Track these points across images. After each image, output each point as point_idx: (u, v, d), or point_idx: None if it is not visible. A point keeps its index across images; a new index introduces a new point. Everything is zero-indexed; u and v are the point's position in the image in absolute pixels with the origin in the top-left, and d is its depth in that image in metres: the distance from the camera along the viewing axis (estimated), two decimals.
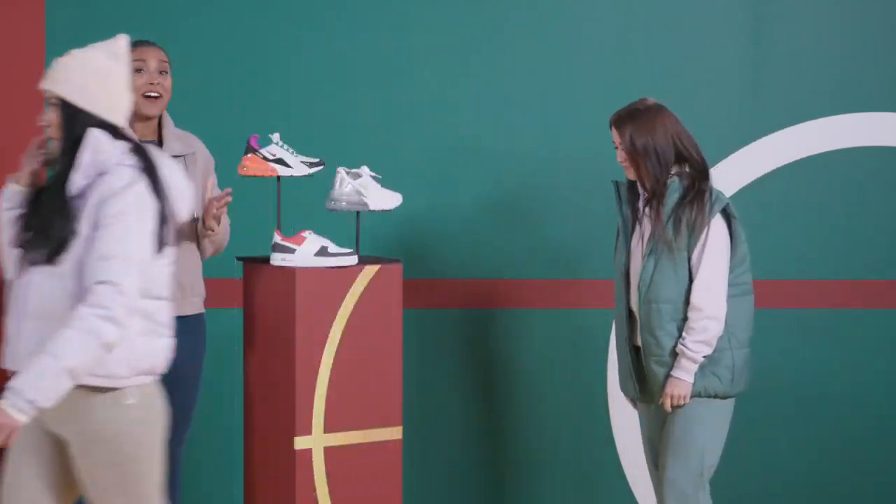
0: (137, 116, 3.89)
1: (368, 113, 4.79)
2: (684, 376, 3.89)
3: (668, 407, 3.92)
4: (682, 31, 4.84)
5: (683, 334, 3.89)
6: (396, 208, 4.13)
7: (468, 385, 4.86)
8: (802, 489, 4.92)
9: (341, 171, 4.10)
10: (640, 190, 3.97)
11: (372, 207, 4.08)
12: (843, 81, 4.87)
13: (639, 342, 3.99)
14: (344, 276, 4.00)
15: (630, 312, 4.00)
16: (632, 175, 3.95)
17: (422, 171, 4.78)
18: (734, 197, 4.86)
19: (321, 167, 4.09)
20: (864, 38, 4.88)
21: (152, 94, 3.91)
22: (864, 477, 4.93)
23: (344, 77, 4.79)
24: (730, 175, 4.84)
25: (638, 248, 3.96)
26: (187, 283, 3.98)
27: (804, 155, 4.87)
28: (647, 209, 3.93)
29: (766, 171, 4.86)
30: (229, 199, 3.90)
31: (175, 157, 3.96)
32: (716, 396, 3.94)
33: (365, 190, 4.09)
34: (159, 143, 3.99)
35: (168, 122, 4.02)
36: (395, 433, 4.09)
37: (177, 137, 4.01)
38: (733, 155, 4.85)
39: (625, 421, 4.82)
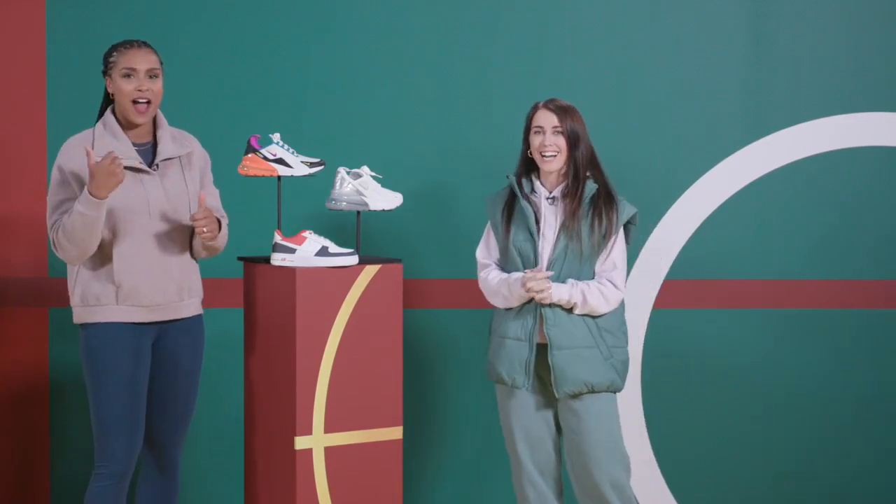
0: (128, 121, 3.91)
1: (368, 113, 4.79)
2: (560, 292, 3.94)
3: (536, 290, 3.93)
4: (682, 31, 4.84)
5: (589, 282, 3.99)
6: (396, 208, 4.13)
7: (468, 385, 4.86)
8: (801, 488, 4.92)
9: (342, 171, 4.10)
10: (541, 186, 4.06)
11: (372, 207, 4.08)
12: (844, 81, 4.86)
13: (541, 338, 4.02)
14: (344, 276, 4.00)
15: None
16: (556, 165, 4.02)
17: (422, 171, 4.78)
18: (734, 197, 4.87)
19: (321, 167, 4.09)
20: (864, 38, 4.87)
21: (141, 101, 3.89)
22: (864, 476, 4.93)
23: (344, 77, 4.78)
24: (730, 175, 4.84)
25: (540, 241, 4.04)
26: (184, 285, 3.97)
27: (804, 155, 4.87)
28: (551, 204, 4.03)
29: (766, 171, 4.86)
30: (202, 228, 3.88)
31: (169, 159, 3.96)
32: (615, 391, 4.05)
33: (365, 190, 4.09)
34: (153, 144, 3.98)
35: (162, 122, 4.00)
36: (395, 433, 4.09)
37: (172, 138, 3.99)
38: (733, 155, 4.85)
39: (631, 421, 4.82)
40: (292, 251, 4.00)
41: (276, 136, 4.06)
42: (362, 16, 4.79)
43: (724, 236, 4.86)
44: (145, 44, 3.94)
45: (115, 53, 3.92)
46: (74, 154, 3.88)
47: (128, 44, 3.92)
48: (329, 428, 3.98)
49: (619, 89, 4.82)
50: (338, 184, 4.09)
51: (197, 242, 3.98)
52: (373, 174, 4.12)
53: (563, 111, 4.03)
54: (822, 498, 4.92)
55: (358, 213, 4.11)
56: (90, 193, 3.72)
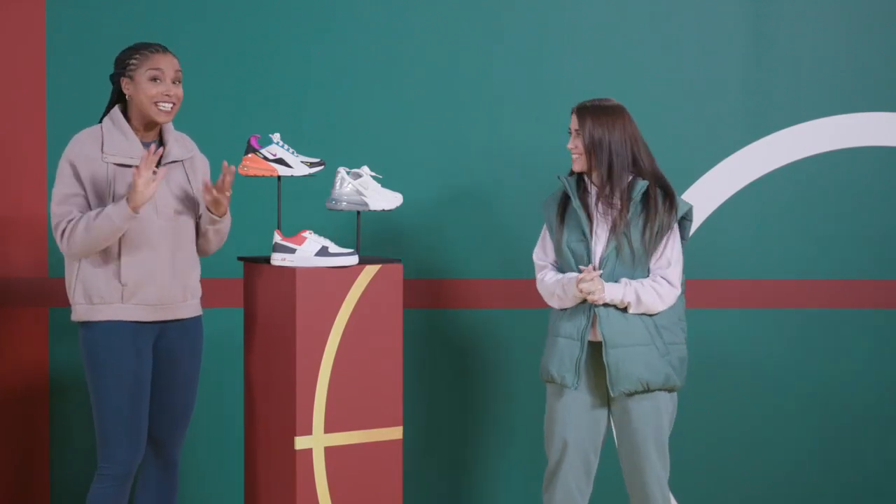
0: (146, 123, 3.91)
1: (368, 113, 4.79)
2: (613, 292, 3.94)
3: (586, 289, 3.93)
4: (682, 31, 4.84)
5: (643, 281, 3.98)
6: (396, 208, 4.14)
7: (468, 385, 4.87)
8: (802, 488, 4.92)
9: (342, 171, 4.10)
10: (590, 184, 4.06)
11: (372, 207, 4.08)
12: (844, 81, 4.87)
13: (595, 336, 4.02)
14: (344, 276, 4.00)
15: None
16: (579, 166, 4.03)
17: (421, 171, 4.78)
18: (734, 197, 4.87)
19: (321, 167, 4.09)
20: (864, 38, 4.88)
21: (166, 105, 3.90)
22: (864, 475, 4.93)
23: (344, 77, 4.79)
24: (730, 175, 4.84)
25: (593, 241, 4.03)
26: (188, 284, 3.98)
27: (804, 155, 4.87)
28: (599, 204, 4.02)
29: (766, 171, 4.86)
30: (230, 176, 3.90)
31: (175, 161, 3.96)
32: (671, 389, 4.03)
33: (365, 190, 4.09)
34: (159, 145, 3.98)
35: (168, 125, 4.01)
36: (395, 433, 4.09)
37: (176, 141, 4.00)
38: (733, 155, 4.85)
39: None
40: (292, 251, 4.00)
41: (276, 136, 4.06)
42: (362, 16, 4.80)
43: (724, 236, 4.86)
44: (167, 48, 3.94)
45: (137, 55, 3.89)
46: (85, 147, 3.87)
47: (152, 47, 3.91)
48: (329, 428, 3.98)
49: (618, 89, 4.80)
50: (338, 184, 4.09)
51: (205, 220, 3.98)
52: (373, 174, 4.12)
53: (584, 113, 4.02)
54: (823, 498, 4.92)
55: (358, 213, 4.11)
56: (128, 205, 3.75)
